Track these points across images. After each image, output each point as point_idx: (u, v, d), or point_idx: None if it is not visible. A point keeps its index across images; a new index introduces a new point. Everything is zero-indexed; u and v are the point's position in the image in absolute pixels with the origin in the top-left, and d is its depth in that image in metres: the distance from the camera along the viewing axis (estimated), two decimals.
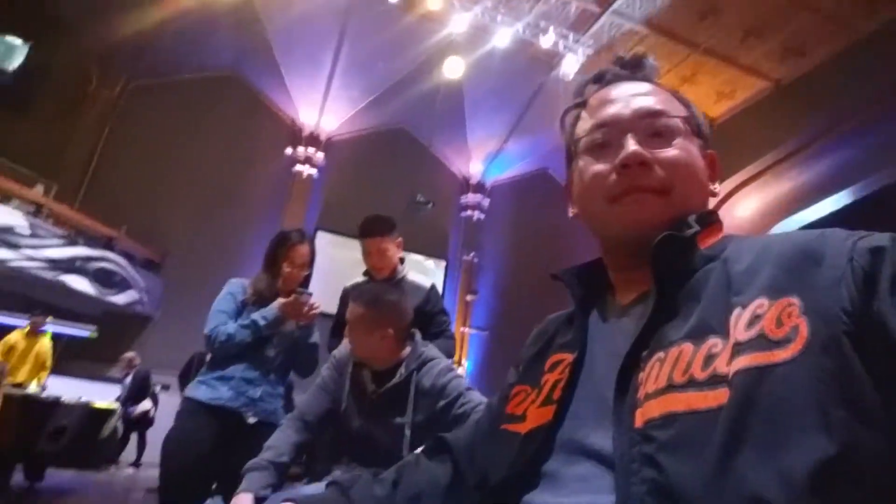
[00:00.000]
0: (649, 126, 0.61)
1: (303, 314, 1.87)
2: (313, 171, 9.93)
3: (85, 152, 8.76)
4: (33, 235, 6.70)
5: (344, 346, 1.60)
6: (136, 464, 6.87)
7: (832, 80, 6.38)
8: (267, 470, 1.33)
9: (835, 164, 6.65)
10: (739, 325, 0.46)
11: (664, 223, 0.57)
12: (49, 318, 6.02)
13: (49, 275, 6.97)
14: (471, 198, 11.06)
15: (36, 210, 7.12)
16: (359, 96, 9.64)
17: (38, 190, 7.46)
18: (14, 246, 6.46)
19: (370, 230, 2.15)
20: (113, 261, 7.74)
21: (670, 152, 0.60)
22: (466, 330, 10.36)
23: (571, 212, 0.69)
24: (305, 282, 2.00)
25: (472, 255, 10.73)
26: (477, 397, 1.45)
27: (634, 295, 0.61)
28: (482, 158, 10.94)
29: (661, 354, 0.50)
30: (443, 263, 10.63)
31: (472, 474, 0.66)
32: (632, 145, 0.59)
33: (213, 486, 1.84)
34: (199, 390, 1.81)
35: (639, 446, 0.47)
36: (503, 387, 0.71)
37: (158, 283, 8.68)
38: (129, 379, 6.76)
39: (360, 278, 2.26)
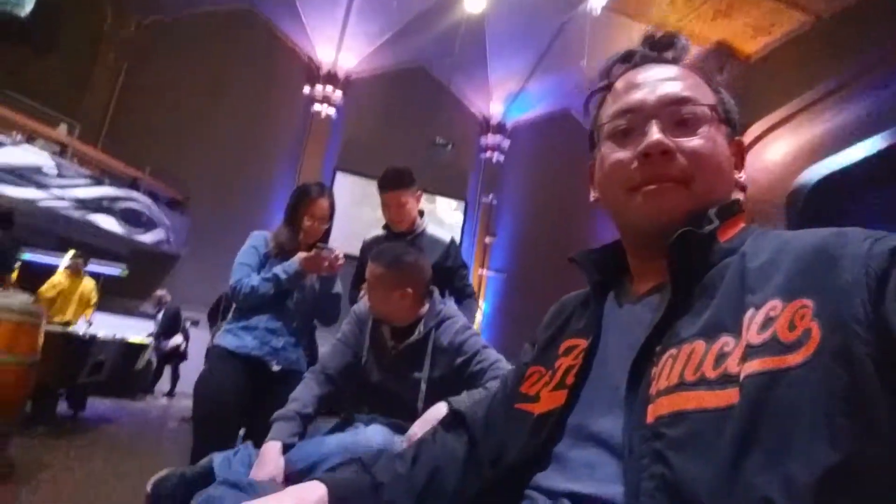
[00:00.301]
0: (674, 113, 0.60)
1: (323, 268, 1.90)
2: (332, 112, 9.80)
3: (104, 92, 8.75)
4: (60, 175, 6.83)
5: (364, 303, 1.63)
6: (171, 394, 7.30)
7: (874, 16, 5.98)
8: (293, 420, 1.39)
9: (872, 106, 6.33)
10: (752, 326, 0.46)
11: (683, 215, 0.57)
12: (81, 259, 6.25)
13: (77, 214, 7.15)
14: (491, 139, 10.86)
15: (61, 150, 7.22)
16: (377, 32, 9.35)
17: (62, 130, 7.53)
18: (43, 186, 6.61)
19: (389, 183, 2.14)
20: (138, 200, 7.89)
21: (694, 142, 0.59)
22: (485, 272, 10.46)
23: (593, 196, 0.68)
24: (326, 235, 2.03)
25: (491, 196, 10.67)
26: (493, 356, 1.48)
27: (651, 284, 0.61)
28: (503, 98, 10.65)
29: (673, 351, 0.51)
30: (462, 205, 10.62)
31: (488, 450, 0.67)
32: (655, 133, 0.58)
33: (243, 431, 1.94)
34: (226, 339, 1.89)
35: (649, 442, 0.47)
36: (518, 365, 0.72)
37: (184, 222, 8.86)
38: (160, 315, 7.04)
39: (378, 230, 2.28)
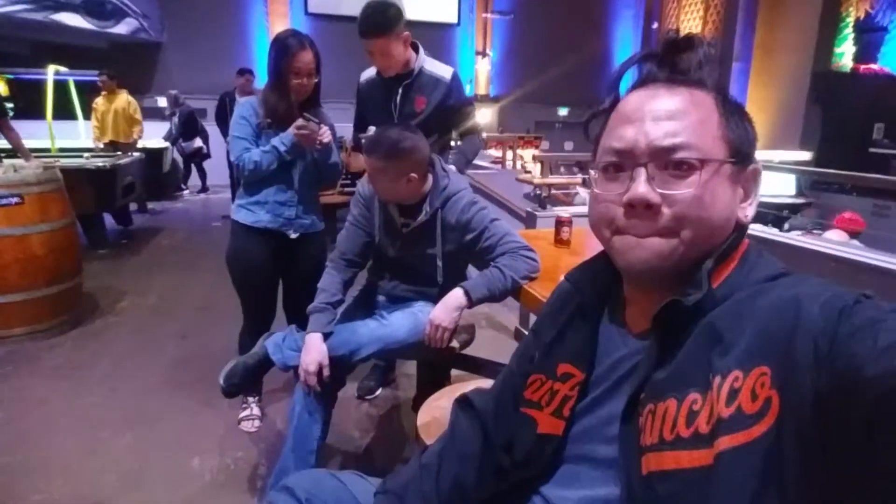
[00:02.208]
0: (667, 158, 0.57)
1: (316, 142, 1.87)
2: None
3: None
4: None
5: (367, 185, 1.62)
6: (204, 189, 7.71)
7: None
8: (326, 311, 1.54)
9: None
10: (721, 397, 0.50)
11: (669, 262, 0.58)
12: (59, 69, 5.92)
13: (39, 16, 6.56)
14: None
15: None
16: None
17: None
18: None
19: (368, 29, 1.90)
20: None
21: (684, 194, 0.57)
22: (489, 16, 9.51)
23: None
24: (317, 90, 1.91)
25: None
26: (501, 230, 1.53)
27: (644, 326, 0.63)
28: None
29: (651, 406, 0.55)
30: None
31: (498, 436, 0.74)
32: (640, 185, 0.57)
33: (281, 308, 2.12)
34: (241, 214, 1.95)
35: (647, 492, 0.53)
36: (523, 361, 0.75)
37: (153, 5, 8.07)
38: (176, 118, 6.96)
39: (372, 71, 2.10)
